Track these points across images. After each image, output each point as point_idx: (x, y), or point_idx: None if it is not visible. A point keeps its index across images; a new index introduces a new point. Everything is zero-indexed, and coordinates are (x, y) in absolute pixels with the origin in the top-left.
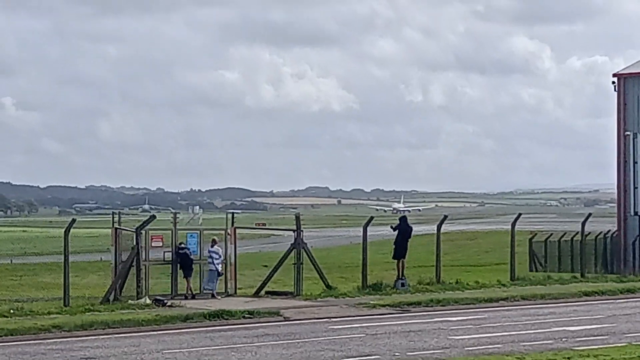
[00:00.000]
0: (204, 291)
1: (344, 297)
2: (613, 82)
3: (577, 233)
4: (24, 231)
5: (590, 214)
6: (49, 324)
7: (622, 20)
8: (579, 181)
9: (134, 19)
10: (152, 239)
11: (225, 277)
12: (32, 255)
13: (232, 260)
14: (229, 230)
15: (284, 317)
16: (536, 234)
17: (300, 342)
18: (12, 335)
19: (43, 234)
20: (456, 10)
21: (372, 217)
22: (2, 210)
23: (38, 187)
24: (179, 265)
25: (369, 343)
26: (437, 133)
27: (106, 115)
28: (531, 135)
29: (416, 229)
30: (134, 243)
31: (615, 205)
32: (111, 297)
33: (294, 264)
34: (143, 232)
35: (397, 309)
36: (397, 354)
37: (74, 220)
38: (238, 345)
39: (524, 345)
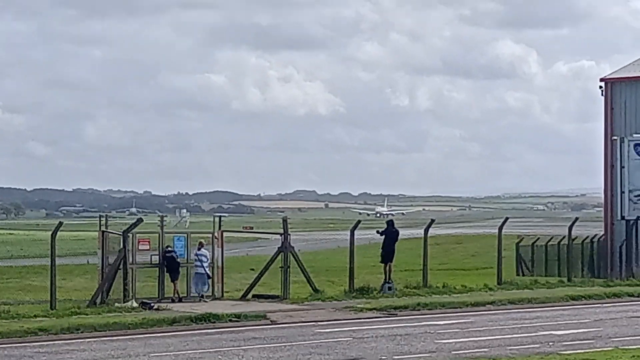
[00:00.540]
0: (194, 294)
1: (331, 301)
2: (600, 87)
3: (564, 237)
4: (10, 234)
5: (577, 218)
6: (36, 327)
7: (607, 25)
8: (566, 185)
9: (120, 22)
10: (139, 242)
11: (213, 281)
12: (18, 258)
13: (219, 264)
14: (216, 234)
15: (271, 321)
16: (523, 238)
17: (287, 346)
18: None
19: (30, 236)
20: (442, 15)
21: (359, 221)
22: None
23: (25, 189)
24: (165, 268)
25: (355, 347)
26: (424, 137)
27: (92, 118)
28: (518, 140)
29: (403, 233)
30: (121, 246)
31: (602, 209)
32: (98, 300)
33: (281, 267)
34: (130, 235)
35: (384, 312)
36: (383, 357)
37: (61, 223)
38: (225, 349)
39: (510, 350)
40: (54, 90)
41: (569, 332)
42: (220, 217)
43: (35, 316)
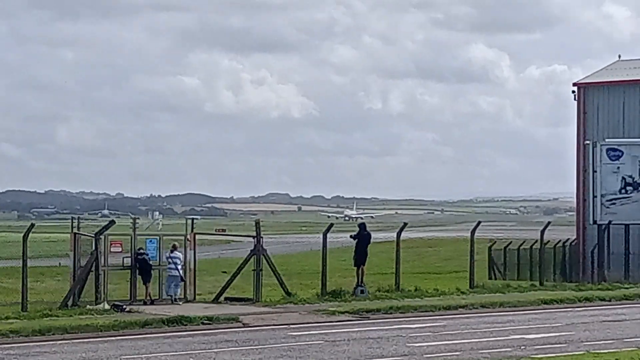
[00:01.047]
0: (166, 297)
1: (303, 304)
2: (573, 92)
3: (536, 241)
4: None
5: (549, 223)
6: (7, 329)
7: (580, 30)
8: (538, 189)
9: (93, 24)
10: (111, 244)
11: (185, 283)
12: None
13: (192, 266)
14: (188, 236)
15: (243, 323)
16: (495, 241)
17: (259, 349)
18: None
19: (1, 238)
20: (415, 18)
21: (332, 224)
22: None
23: None
24: (138, 270)
25: (327, 350)
26: (397, 141)
27: (65, 120)
28: (491, 144)
29: (376, 236)
30: (93, 248)
31: (575, 214)
32: (69, 302)
33: (254, 270)
34: (102, 237)
35: (356, 315)
36: None
37: (32, 225)
38: (197, 351)
39: (482, 353)
40: (26, 92)
41: (541, 336)
42: (192, 219)
43: (6, 318)
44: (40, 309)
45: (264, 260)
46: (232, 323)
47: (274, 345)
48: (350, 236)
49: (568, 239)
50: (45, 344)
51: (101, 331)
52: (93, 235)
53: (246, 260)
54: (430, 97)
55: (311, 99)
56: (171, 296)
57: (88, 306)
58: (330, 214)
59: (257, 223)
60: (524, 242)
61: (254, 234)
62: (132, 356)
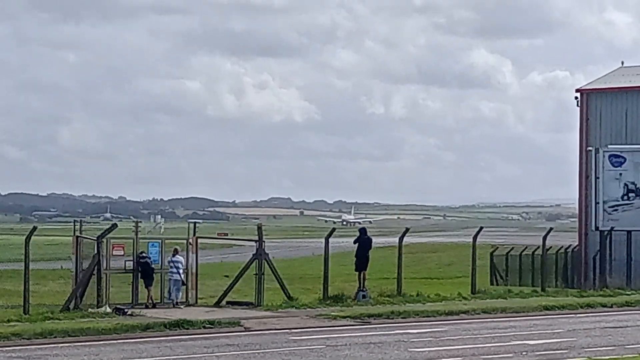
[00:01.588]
0: (167, 300)
1: (305, 308)
2: (576, 98)
3: (538, 247)
4: None
5: (551, 229)
6: (8, 332)
7: (582, 36)
8: (540, 195)
9: (95, 26)
10: (113, 247)
11: (187, 287)
12: None
13: (194, 270)
14: (190, 240)
15: (245, 328)
16: (497, 247)
17: (261, 353)
18: None
19: (3, 241)
20: (417, 23)
21: (334, 229)
22: None
23: None
24: (140, 274)
25: (329, 354)
26: (399, 145)
27: (67, 122)
28: (493, 149)
29: (377, 241)
30: (95, 251)
31: (577, 220)
32: (71, 306)
33: (256, 274)
34: (104, 240)
35: (358, 320)
36: None
37: (35, 228)
38: (198, 355)
39: (483, 358)
40: (28, 94)
41: (542, 342)
42: (195, 223)
43: (8, 321)
44: (42, 311)
45: (266, 265)
46: (233, 327)
47: (275, 350)
48: (355, 241)
49: (570, 245)
50: (47, 347)
51: (103, 334)
52: (95, 239)
53: (248, 265)
54: (432, 102)
55: (313, 103)
56: (173, 300)
57: (90, 309)
58: (327, 219)
59: (259, 227)
60: (526, 247)
61: (256, 238)
62: (133, 359)
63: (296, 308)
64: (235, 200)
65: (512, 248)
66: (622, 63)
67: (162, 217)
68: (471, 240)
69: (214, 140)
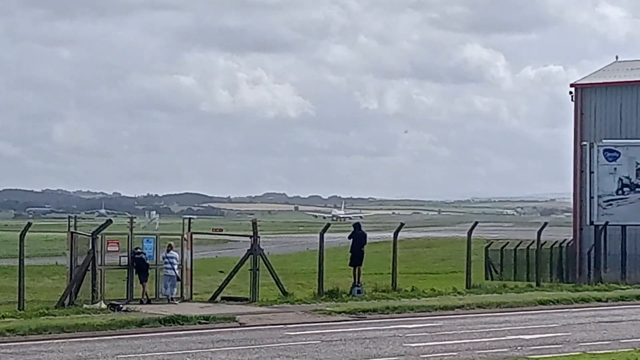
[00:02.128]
0: (162, 296)
1: (300, 304)
2: (570, 92)
3: (533, 242)
4: None
5: (546, 223)
6: (3, 328)
7: (575, 31)
8: (535, 190)
9: (89, 22)
10: (108, 243)
11: (182, 283)
12: None
13: (189, 266)
14: (185, 236)
15: (240, 323)
16: (492, 242)
17: (256, 348)
18: None
19: None
20: (411, 18)
21: (328, 224)
22: None
23: None
24: (134, 270)
25: (324, 350)
26: (393, 140)
27: (61, 118)
28: (487, 144)
29: (372, 236)
30: (90, 247)
31: (571, 214)
32: (66, 301)
33: (251, 269)
34: (99, 236)
35: (353, 315)
36: None
37: (29, 224)
38: (193, 351)
39: (479, 353)
40: (22, 91)
41: (537, 336)
42: (189, 219)
43: (3, 317)
44: (37, 307)
45: (261, 260)
46: (228, 323)
47: (270, 345)
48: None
49: (565, 239)
50: (41, 343)
51: (97, 330)
52: (90, 235)
53: (243, 260)
54: (426, 97)
55: (307, 99)
56: (167, 295)
57: (85, 305)
58: (317, 214)
59: (254, 223)
60: (520, 242)
61: (251, 233)
62: (128, 355)
63: (291, 303)
64: (230, 196)
65: (507, 243)
66: (617, 58)
67: (157, 212)
68: (466, 235)
69: (208, 136)
